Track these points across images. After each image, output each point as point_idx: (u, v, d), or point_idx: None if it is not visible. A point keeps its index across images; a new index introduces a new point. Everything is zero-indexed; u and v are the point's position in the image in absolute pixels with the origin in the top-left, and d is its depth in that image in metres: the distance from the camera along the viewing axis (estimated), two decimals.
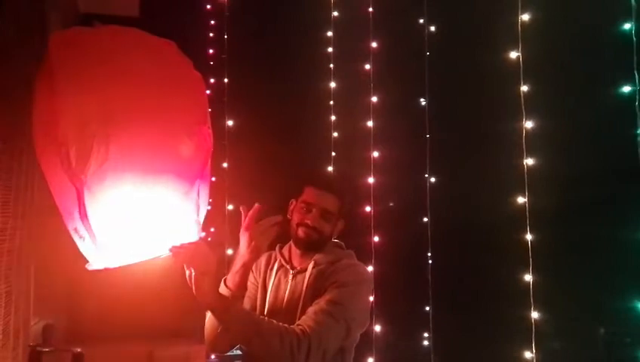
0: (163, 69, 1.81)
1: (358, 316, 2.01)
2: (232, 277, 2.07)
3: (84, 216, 1.65)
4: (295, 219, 2.13)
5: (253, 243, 2.03)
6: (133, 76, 1.72)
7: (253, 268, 2.28)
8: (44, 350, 3.05)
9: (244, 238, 2.05)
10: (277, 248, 2.26)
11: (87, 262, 1.78)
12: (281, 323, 1.87)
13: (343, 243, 2.26)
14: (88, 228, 1.67)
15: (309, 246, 2.12)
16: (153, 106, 1.72)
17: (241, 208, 2.08)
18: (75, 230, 1.73)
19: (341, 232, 2.21)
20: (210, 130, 1.91)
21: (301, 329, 1.84)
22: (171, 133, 1.75)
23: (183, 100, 1.82)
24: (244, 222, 2.06)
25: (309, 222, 2.08)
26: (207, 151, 1.89)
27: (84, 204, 1.64)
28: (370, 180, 4.51)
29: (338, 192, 2.13)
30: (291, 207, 2.18)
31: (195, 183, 1.83)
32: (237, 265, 2.06)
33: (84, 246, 1.74)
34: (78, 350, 3.19)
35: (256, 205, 2.06)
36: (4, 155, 2.34)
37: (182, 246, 1.75)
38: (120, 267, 1.77)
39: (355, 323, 2.00)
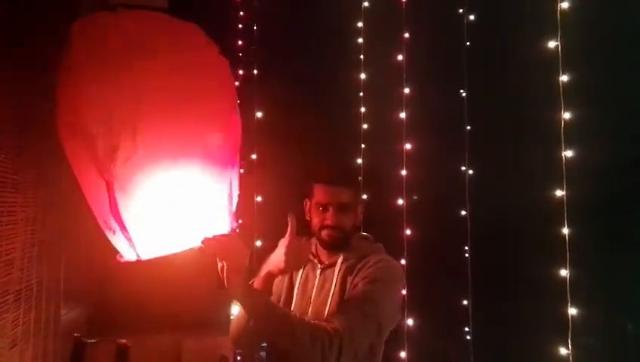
0: (189, 54, 1.76)
1: (389, 313, 1.95)
2: (256, 283, 2.00)
3: (114, 208, 1.63)
4: (314, 221, 2.08)
5: (286, 260, 1.92)
6: (159, 63, 1.68)
7: None
8: (89, 341, 3.05)
9: (281, 249, 1.94)
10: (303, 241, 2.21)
11: (118, 254, 1.76)
12: (312, 321, 1.82)
13: (371, 236, 2.20)
14: (119, 220, 1.64)
15: (335, 246, 2.07)
16: (180, 94, 1.68)
17: (289, 217, 1.95)
18: (105, 222, 1.71)
19: (362, 217, 2.15)
20: (239, 118, 1.88)
21: (332, 328, 1.77)
22: (199, 122, 1.71)
23: (210, 87, 1.78)
24: (289, 233, 1.99)
25: (329, 222, 2.03)
26: (236, 139, 1.85)
27: (113, 197, 1.61)
28: (403, 172, 4.47)
29: (348, 182, 2.08)
30: (307, 208, 2.14)
31: (225, 172, 1.80)
32: (264, 271, 1.99)
33: (115, 238, 1.72)
34: (124, 341, 3.19)
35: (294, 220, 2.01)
36: (32, 146, 2.35)
37: (214, 237, 1.71)
38: (151, 259, 1.74)
39: (387, 320, 1.94)
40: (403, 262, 4.07)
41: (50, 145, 2.27)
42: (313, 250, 2.16)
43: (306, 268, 2.14)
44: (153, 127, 1.61)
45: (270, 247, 2.10)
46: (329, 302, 1.99)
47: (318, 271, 2.09)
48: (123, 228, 1.65)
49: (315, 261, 2.13)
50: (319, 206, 2.05)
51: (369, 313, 1.85)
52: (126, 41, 1.67)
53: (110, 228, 1.70)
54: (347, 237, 2.07)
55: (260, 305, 1.80)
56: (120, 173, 1.59)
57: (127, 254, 1.73)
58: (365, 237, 2.18)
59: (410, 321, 4.25)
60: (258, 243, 4.41)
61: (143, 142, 1.59)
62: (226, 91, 1.86)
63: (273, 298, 2.15)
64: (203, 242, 1.70)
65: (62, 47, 1.75)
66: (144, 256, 1.72)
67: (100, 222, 1.74)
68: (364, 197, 2.21)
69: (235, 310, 4.44)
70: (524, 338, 4.25)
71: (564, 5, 3.57)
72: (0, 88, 2.09)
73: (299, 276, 2.14)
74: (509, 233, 4.60)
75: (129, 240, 1.68)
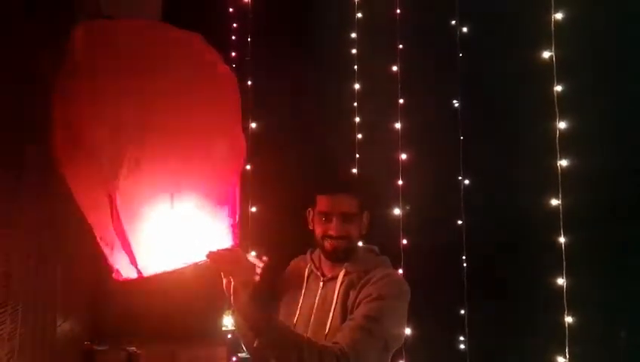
0: (194, 65, 1.75)
1: (395, 330, 1.89)
2: None
3: (116, 223, 1.59)
4: (317, 231, 2.01)
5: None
6: (164, 75, 1.66)
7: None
8: (99, 349, 3.02)
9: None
10: (308, 253, 2.16)
11: (115, 271, 1.71)
12: (319, 342, 1.77)
13: (376, 248, 2.14)
14: (121, 235, 1.61)
15: (339, 256, 1.99)
16: (187, 107, 1.66)
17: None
18: (103, 239, 1.67)
19: (368, 226, 2.06)
20: (242, 131, 1.86)
21: (339, 349, 1.72)
22: (206, 135, 1.69)
23: (216, 99, 1.76)
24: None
25: (332, 233, 1.96)
26: (241, 152, 1.84)
27: (116, 211, 1.58)
28: (399, 182, 4.49)
29: (351, 190, 2.00)
30: (310, 217, 2.07)
31: (229, 187, 1.78)
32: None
33: (113, 255, 1.68)
34: (133, 348, 3.16)
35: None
36: (32, 158, 2.34)
37: (218, 252, 1.69)
38: (152, 275, 1.71)
39: (393, 338, 1.88)
40: (400, 271, 4.07)
41: (50, 157, 2.27)
42: (317, 262, 2.13)
43: (310, 279, 2.11)
44: (159, 141, 1.59)
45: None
46: (331, 316, 1.95)
47: (321, 284, 2.04)
48: (125, 243, 1.62)
49: (318, 273, 2.09)
50: (322, 216, 1.98)
51: (375, 332, 1.80)
52: (132, 53, 1.65)
53: (108, 245, 1.67)
54: (352, 247, 2.01)
55: (268, 324, 1.76)
56: (123, 188, 1.56)
57: (127, 271, 1.69)
58: (370, 249, 2.13)
59: (407, 331, 4.24)
60: (253, 253, 4.40)
61: (148, 156, 1.57)
62: (231, 103, 1.83)
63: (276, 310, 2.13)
64: (208, 256, 1.68)
65: (60, 53, 1.72)
66: (146, 273, 1.69)
67: (98, 238, 1.70)
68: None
69: (229, 321, 4.43)
70: (520, 346, 4.25)
71: (558, 16, 3.60)
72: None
73: (302, 288, 2.10)
74: (506, 242, 4.60)
75: (130, 256, 1.64)
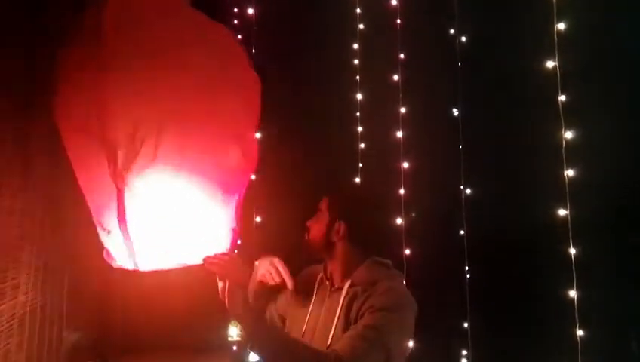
0: (222, 66, 1.74)
1: (399, 344, 1.87)
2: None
3: (122, 215, 1.61)
4: None
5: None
6: (191, 72, 1.66)
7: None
8: None
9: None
10: (323, 264, 2.15)
11: (104, 250, 1.75)
12: (315, 347, 1.78)
13: (388, 262, 2.09)
14: (124, 228, 1.63)
15: (307, 250, 2.06)
16: (208, 107, 1.67)
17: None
18: (100, 223, 1.70)
19: (343, 235, 2.01)
20: (255, 137, 1.87)
21: (336, 355, 1.72)
22: (222, 139, 1.70)
23: (238, 103, 1.77)
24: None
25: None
26: (253, 159, 1.85)
27: (123, 203, 1.60)
28: (401, 191, 4.49)
29: (330, 192, 2.07)
30: None
31: (237, 192, 1.79)
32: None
33: (108, 239, 1.71)
34: None
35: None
36: (39, 170, 2.35)
37: (216, 256, 1.73)
38: (149, 271, 1.74)
39: (396, 350, 1.84)
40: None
41: (58, 170, 2.27)
42: (327, 272, 2.12)
43: (320, 288, 2.11)
44: (176, 141, 1.60)
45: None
46: (333, 327, 1.95)
47: (328, 294, 2.05)
48: (127, 236, 1.64)
49: (327, 283, 2.10)
50: None
51: (374, 341, 1.78)
52: (160, 45, 1.64)
53: (104, 229, 1.70)
54: (313, 244, 2.04)
55: (261, 325, 1.77)
56: (133, 182, 1.58)
57: (125, 262, 1.72)
58: (379, 262, 2.08)
59: (410, 343, 4.23)
60: (257, 263, 4.40)
61: (162, 154, 1.58)
62: (251, 109, 1.86)
63: (285, 317, 2.14)
64: (204, 260, 1.72)
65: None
66: (142, 268, 1.71)
67: (96, 222, 1.73)
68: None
69: (234, 332, 4.41)
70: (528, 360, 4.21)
71: (561, 26, 3.62)
72: (6, 107, 2.09)
73: (312, 297, 2.11)
74: (513, 252, 4.56)
75: (131, 249, 1.67)
